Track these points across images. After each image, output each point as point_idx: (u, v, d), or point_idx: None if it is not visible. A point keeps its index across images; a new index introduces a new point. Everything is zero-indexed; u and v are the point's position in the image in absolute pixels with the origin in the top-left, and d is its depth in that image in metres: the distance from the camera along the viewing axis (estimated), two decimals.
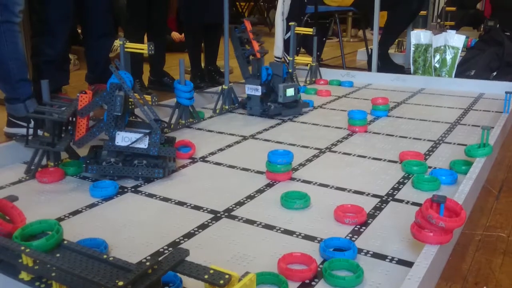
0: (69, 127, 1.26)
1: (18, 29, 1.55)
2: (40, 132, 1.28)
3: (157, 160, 1.22)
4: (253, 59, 1.92)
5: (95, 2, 1.93)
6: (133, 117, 1.30)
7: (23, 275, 0.73)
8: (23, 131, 1.62)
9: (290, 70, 2.28)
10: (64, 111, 1.21)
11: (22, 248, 0.71)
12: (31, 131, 1.26)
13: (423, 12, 3.39)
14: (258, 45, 1.96)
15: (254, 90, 1.85)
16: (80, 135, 1.21)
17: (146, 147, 1.20)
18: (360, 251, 0.90)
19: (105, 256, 0.70)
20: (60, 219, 1.02)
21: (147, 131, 1.21)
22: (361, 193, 1.17)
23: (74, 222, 1.01)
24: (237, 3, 6.13)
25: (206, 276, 0.65)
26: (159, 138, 1.20)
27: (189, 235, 0.96)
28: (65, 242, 0.75)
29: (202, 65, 2.60)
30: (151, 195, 1.15)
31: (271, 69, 1.85)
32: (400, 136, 1.62)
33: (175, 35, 3.82)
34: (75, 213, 1.05)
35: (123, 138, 1.18)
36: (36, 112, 1.24)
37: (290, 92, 1.82)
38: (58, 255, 0.72)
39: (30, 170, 1.26)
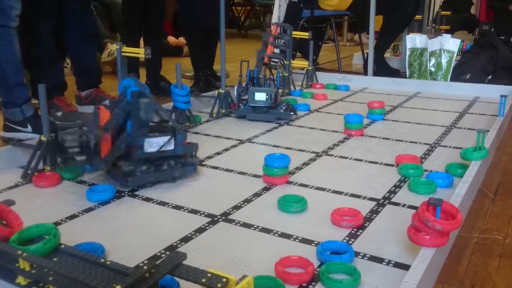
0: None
1: (14, 34, 1.55)
2: (36, 136, 1.26)
3: (181, 159, 1.24)
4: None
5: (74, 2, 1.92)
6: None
7: (20, 280, 0.72)
8: (19, 135, 1.62)
9: (286, 74, 2.29)
10: (90, 131, 1.18)
11: (19, 252, 0.70)
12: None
13: (418, 16, 3.41)
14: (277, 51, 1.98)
15: (235, 90, 1.89)
16: (106, 152, 1.16)
17: (173, 148, 1.20)
18: (357, 254, 0.90)
19: (102, 260, 0.70)
20: (57, 223, 1.02)
21: (169, 132, 1.20)
22: (358, 196, 1.17)
23: (71, 226, 1.01)
24: (234, 7, 6.14)
25: (203, 280, 0.65)
26: (183, 137, 1.21)
27: (186, 239, 0.96)
28: (62, 246, 0.75)
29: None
30: (148, 199, 1.15)
31: (257, 73, 1.88)
32: (396, 140, 1.62)
33: (171, 39, 3.82)
34: (72, 217, 1.05)
35: (151, 144, 1.17)
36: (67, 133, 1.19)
37: (259, 96, 1.80)
38: (55, 259, 0.72)
39: (26, 175, 1.25)
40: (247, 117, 1.85)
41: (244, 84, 1.89)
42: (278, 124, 1.82)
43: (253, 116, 1.85)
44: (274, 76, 2.09)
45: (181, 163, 1.24)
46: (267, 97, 1.81)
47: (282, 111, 1.86)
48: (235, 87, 1.87)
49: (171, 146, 1.20)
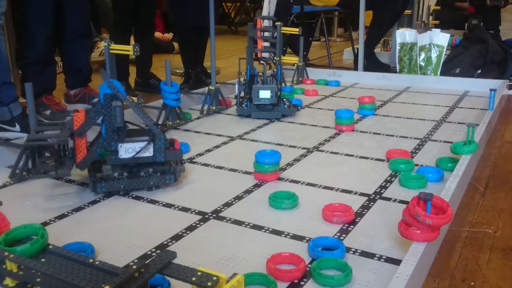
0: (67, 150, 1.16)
1: (0, 32, 1.53)
2: (24, 135, 1.23)
3: (164, 166, 1.17)
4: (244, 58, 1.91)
5: (72, 1, 1.89)
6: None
7: (8, 281, 0.71)
8: (7, 134, 1.60)
9: (275, 71, 2.28)
10: (62, 134, 1.12)
11: (6, 253, 0.69)
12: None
13: (408, 11, 3.41)
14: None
15: (236, 88, 1.85)
16: (81, 156, 1.12)
17: (151, 154, 1.14)
18: (348, 250, 0.90)
19: (91, 260, 0.69)
20: (45, 224, 1.00)
21: (147, 137, 1.14)
22: (349, 192, 1.17)
23: (60, 226, 1.00)
24: (224, 4, 6.12)
25: (193, 278, 0.64)
26: (163, 143, 1.14)
27: (177, 237, 0.95)
28: (51, 246, 0.74)
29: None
30: (138, 198, 1.14)
31: (257, 70, 1.86)
32: (387, 135, 1.63)
33: (157, 34, 3.79)
34: (61, 217, 1.04)
35: (127, 150, 1.12)
36: (32, 139, 1.14)
37: (264, 94, 1.78)
38: (43, 260, 0.71)
39: (15, 174, 1.24)
40: (252, 116, 1.82)
41: (243, 81, 1.87)
42: (269, 120, 1.81)
43: (258, 115, 1.82)
44: (275, 71, 2.08)
45: (161, 171, 1.17)
46: (271, 94, 1.78)
47: (286, 107, 1.85)
48: (236, 86, 1.84)
49: (149, 153, 1.14)
